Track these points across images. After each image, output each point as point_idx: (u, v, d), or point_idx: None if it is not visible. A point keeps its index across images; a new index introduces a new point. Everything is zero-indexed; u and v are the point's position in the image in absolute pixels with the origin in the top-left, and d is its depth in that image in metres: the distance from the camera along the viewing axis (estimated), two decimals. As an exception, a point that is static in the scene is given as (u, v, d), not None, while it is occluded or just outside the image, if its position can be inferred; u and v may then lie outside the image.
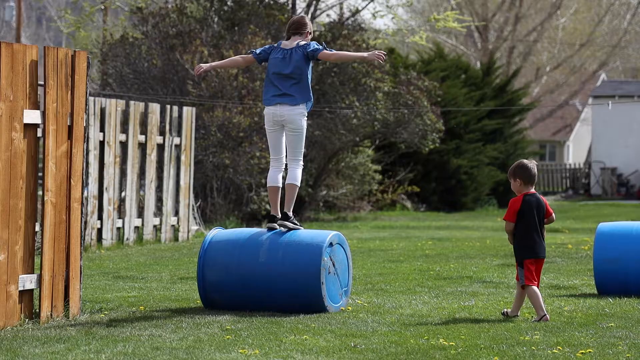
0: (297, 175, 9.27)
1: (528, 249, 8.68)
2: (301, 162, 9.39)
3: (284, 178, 9.36)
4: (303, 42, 9.38)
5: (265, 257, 8.93)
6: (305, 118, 9.35)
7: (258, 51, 9.46)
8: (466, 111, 29.58)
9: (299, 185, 9.38)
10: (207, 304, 9.09)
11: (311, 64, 9.42)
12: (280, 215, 9.20)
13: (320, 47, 9.34)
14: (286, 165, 9.40)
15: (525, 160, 8.79)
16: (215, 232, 9.25)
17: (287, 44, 9.38)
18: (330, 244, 8.97)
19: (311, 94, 9.36)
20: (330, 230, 9.52)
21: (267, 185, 9.35)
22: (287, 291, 8.86)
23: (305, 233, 9.10)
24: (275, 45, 9.45)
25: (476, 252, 15.06)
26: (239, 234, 9.21)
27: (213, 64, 9.59)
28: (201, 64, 9.36)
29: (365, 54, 9.33)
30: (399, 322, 8.43)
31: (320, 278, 8.79)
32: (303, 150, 9.43)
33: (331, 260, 8.99)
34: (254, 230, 9.34)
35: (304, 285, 8.80)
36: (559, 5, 46.67)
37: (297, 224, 9.22)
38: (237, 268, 8.97)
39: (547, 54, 49.21)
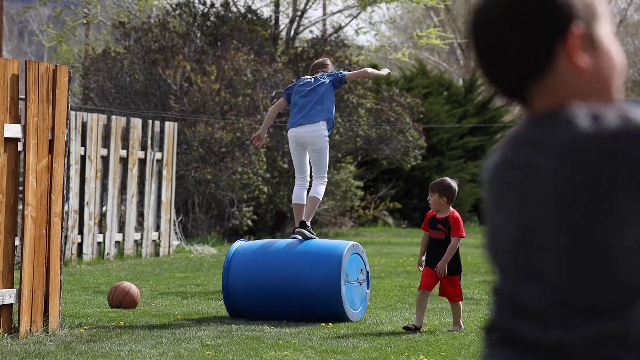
0: (320, 190, 9.88)
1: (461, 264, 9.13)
2: (325, 179, 9.98)
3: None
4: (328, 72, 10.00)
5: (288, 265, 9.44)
6: (327, 137, 9.73)
7: (285, 90, 10.07)
8: (448, 128, 29.65)
9: (320, 199, 10.02)
10: (231, 312, 9.52)
11: (334, 91, 9.85)
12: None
13: (343, 71, 9.94)
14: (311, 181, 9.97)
15: (451, 181, 9.06)
16: (239, 244, 9.81)
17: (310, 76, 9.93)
18: (350, 253, 9.42)
19: (332, 116, 9.79)
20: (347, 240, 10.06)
21: (293, 202, 10.00)
22: (308, 298, 9.25)
23: (325, 242, 9.64)
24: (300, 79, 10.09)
25: (457, 269, 15.06)
26: (261, 244, 9.75)
27: (263, 127, 10.11)
28: (256, 135, 9.83)
29: (382, 72, 9.82)
30: (380, 338, 8.42)
31: (340, 286, 9.22)
32: (327, 166, 9.85)
33: (350, 268, 9.47)
34: (275, 240, 9.92)
35: (325, 293, 9.23)
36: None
37: (313, 233, 9.76)
38: (261, 277, 9.45)
39: (529, 71, 49.45)
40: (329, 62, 10.19)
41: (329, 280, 9.23)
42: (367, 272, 9.76)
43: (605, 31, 2.02)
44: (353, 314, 9.39)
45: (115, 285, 10.34)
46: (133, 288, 10.27)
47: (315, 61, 10.28)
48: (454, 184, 9.00)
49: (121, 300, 10.14)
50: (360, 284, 9.61)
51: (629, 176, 1.88)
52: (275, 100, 10.18)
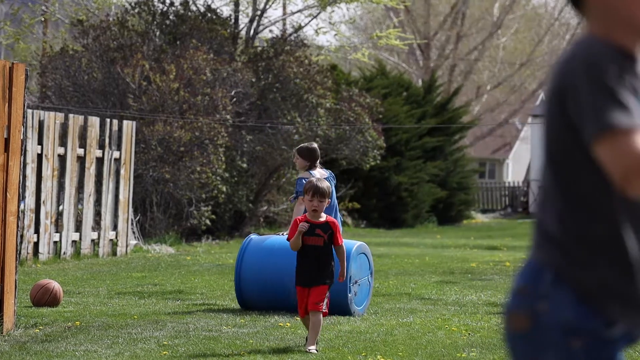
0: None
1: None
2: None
3: None
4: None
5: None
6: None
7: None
8: (407, 128, 29.73)
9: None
10: (242, 303, 10.05)
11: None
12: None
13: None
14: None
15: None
16: (252, 237, 10.31)
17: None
18: (357, 253, 9.81)
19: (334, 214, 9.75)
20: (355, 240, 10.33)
21: None
22: None
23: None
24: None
25: (415, 269, 15.11)
26: (273, 239, 10.22)
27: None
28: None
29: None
30: (337, 338, 8.42)
31: (348, 287, 9.61)
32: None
33: (357, 268, 9.87)
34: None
35: (332, 293, 9.39)
36: (499, 25, 47.15)
37: None
38: (272, 270, 9.93)
39: (488, 72, 49.67)
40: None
41: (337, 283, 9.40)
42: (371, 271, 10.22)
43: None
44: (357, 310, 9.84)
45: (39, 284, 10.25)
46: (57, 286, 10.24)
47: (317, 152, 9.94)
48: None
49: (45, 299, 10.08)
50: (367, 282, 10.11)
51: (569, 90, 2.27)
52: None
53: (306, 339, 7.93)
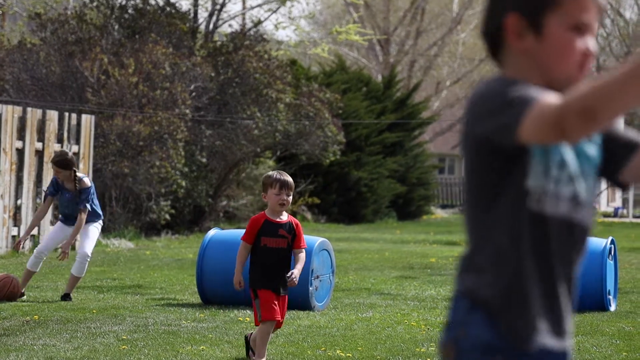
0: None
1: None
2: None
3: None
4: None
5: None
6: None
7: None
8: (367, 124, 29.79)
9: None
10: (203, 298, 10.08)
11: None
12: None
13: None
14: None
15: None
16: (214, 232, 10.27)
17: None
18: (319, 248, 9.86)
19: None
20: (318, 236, 10.31)
21: None
22: None
23: None
24: None
25: (375, 264, 15.16)
26: (235, 234, 10.17)
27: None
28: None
29: None
30: (297, 332, 8.44)
31: (309, 281, 9.65)
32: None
33: (319, 265, 9.91)
34: None
35: (294, 289, 9.51)
36: (459, 21, 47.36)
37: None
38: (233, 264, 9.68)
39: (448, 68, 49.88)
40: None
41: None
42: (333, 270, 10.23)
43: (558, 22, 2.40)
44: (318, 306, 9.88)
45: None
46: (15, 280, 10.16)
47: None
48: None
49: (4, 292, 10.03)
50: (328, 280, 10.14)
51: (470, 125, 2.40)
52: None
53: (252, 352, 7.19)
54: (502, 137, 2.30)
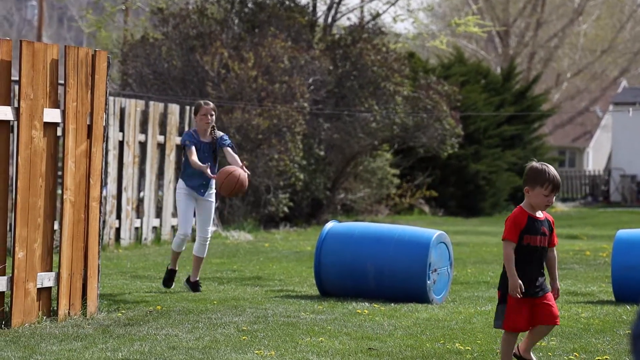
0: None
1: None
2: None
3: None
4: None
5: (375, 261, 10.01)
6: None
7: None
8: (485, 116, 29.52)
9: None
10: (321, 290, 10.17)
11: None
12: None
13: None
14: None
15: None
16: (332, 225, 10.32)
17: None
18: (437, 241, 9.88)
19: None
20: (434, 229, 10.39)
21: None
22: (396, 283, 9.84)
23: (413, 230, 10.12)
24: None
25: (493, 258, 15.03)
26: (353, 226, 10.30)
27: None
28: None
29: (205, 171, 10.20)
30: (415, 325, 8.42)
31: (427, 274, 9.71)
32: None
33: (437, 257, 9.96)
34: (366, 224, 10.52)
35: (411, 279, 9.77)
36: (580, 12, 46.55)
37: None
38: (351, 256, 10.06)
39: (568, 60, 49.08)
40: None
41: (415, 269, 9.78)
42: (451, 262, 10.20)
43: None
44: (436, 299, 9.87)
45: (226, 171, 9.69)
46: (242, 175, 9.72)
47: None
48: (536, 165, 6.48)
49: (232, 188, 9.71)
50: (446, 273, 10.13)
51: None
52: None
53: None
54: None
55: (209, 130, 10.44)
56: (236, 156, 10.29)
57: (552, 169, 6.38)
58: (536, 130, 33.38)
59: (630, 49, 48.77)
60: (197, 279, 10.62)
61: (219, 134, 10.48)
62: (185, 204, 10.44)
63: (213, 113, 10.43)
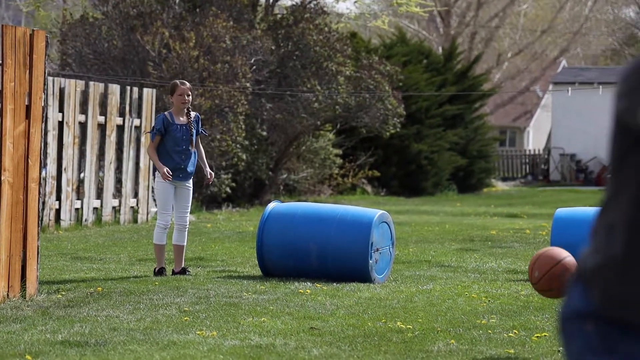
0: None
1: None
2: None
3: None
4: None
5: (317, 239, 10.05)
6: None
7: None
8: (427, 96, 29.65)
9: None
10: (264, 271, 10.18)
11: None
12: None
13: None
14: None
15: None
16: (274, 205, 10.36)
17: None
18: (379, 221, 9.92)
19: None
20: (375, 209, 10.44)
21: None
22: (339, 263, 9.88)
23: (356, 210, 10.13)
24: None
25: (435, 237, 15.13)
26: (295, 207, 10.38)
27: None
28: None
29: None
30: (357, 305, 8.46)
31: (369, 253, 9.77)
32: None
33: (378, 237, 10.00)
34: (308, 204, 10.67)
35: (353, 259, 9.83)
36: (520, -8, 46.88)
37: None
38: (294, 236, 10.07)
39: (509, 40, 49.43)
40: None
41: (358, 249, 9.84)
42: (393, 242, 10.26)
43: None
44: (378, 278, 9.93)
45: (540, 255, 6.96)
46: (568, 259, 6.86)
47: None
48: None
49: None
50: (388, 252, 10.18)
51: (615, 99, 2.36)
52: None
53: None
54: (628, 118, 2.34)
55: (185, 111, 10.25)
56: (202, 151, 10.36)
57: None
58: (477, 110, 33.58)
59: (570, 29, 49.23)
60: (182, 266, 10.38)
61: (194, 114, 10.30)
62: (164, 192, 10.19)
63: (190, 93, 10.19)
